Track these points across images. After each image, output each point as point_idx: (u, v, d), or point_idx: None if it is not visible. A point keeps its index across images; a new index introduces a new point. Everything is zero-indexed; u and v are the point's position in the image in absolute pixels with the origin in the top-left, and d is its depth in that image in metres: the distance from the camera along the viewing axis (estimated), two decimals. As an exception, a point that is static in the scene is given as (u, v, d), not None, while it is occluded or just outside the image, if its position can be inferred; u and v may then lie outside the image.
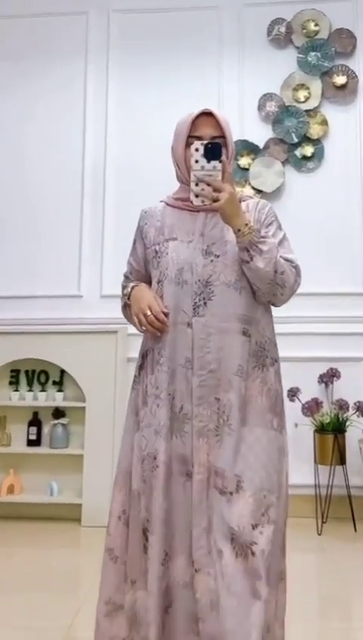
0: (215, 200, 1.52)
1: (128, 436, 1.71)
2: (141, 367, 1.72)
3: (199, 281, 1.61)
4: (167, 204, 1.75)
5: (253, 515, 1.52)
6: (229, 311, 1.60)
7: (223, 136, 1.64)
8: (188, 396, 1.58)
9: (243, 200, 1.72)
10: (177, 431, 1.59)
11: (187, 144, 1.62)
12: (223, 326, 1.59)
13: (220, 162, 1.53)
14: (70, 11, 4.17)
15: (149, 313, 1.62)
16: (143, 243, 1.76)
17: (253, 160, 3.92)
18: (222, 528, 1.52)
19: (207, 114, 1.66)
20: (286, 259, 1.62)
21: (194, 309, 1.60)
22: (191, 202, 1.55)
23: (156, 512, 1.56)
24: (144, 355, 1.71)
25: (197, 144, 1.54)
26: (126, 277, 1.84)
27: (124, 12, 4.14)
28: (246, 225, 1.56)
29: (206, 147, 1.53)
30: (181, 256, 1.63)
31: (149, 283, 1.75)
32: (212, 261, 1.61)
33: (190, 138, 1.63)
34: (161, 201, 1.78)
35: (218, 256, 1.62)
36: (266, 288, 1.60)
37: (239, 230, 1.56)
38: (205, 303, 1.60)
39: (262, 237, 1.58)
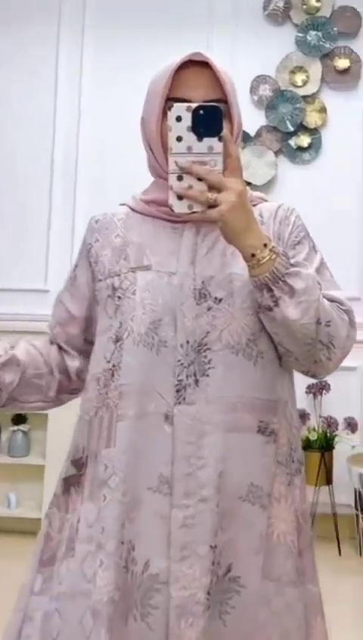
0: (212, 206, 0.92)
1: (19, 604, 1.05)
2: (72, 482, 1.06)
3: (187, 342, 1.00)
4: (133, 210, 1.14)
5: None
6: (237, 393, 1.00)
7: (225, 100, 1.04)
8: (162, 543, 0.97)
9: (253, 204, 1.10)
10: (137, 608, 0.96)
11: (166, 112, 0.98)
12: (227, 420, 0.99)
13: (220, 139, 0.93)
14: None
15: None
16: (91, 272, 1.13)
17: (243, 148, 3.65)
18: None
19: (197, 64, 1.05)
20: (331, 299, 1.02)
21: (178, 391, 0.99)
22: (170, 207, 0.94)
23: None
24: (80, 462, 1.06)
25: (178, 108, 0.93)
26: (51, 332, 1.21)
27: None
28: (266, 245, 0.95)
29: (195, 114, 0.92)
30: (159, 298, 1.03)
31: (87, 345, 1.14)
32: (209, 309, 1.02)
33: (170, 100, 1.02)
34: (123, 204, 1.16)
35: (219, 301, 1.02)
36: (302, 351, 0.99)
37: (253, 255, 0.94)
38: (196, 382, 0.99)
39: (293, 265, 0.97)
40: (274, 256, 0.94)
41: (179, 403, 0.98)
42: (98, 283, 1.10)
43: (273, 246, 0.95)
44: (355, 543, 3.27)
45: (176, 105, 0.93)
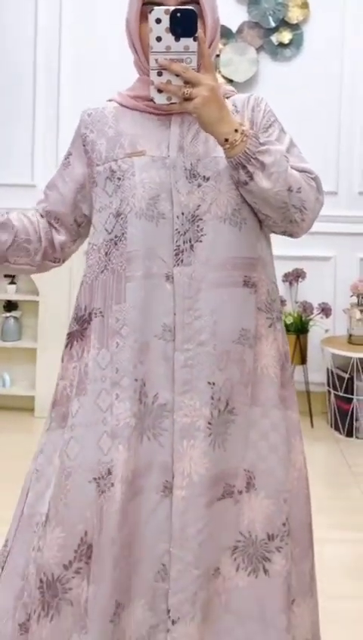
0: (188, 99, 1.06)
1: (44, 440, 1.23)
2: (76, 336, 1.23)
3: (182, 214, 1.15)
4: (121, 105, 1.26)
5: (270, 522, 1.15)
6: (226, 255, 1.16)
7: (198, 2, 1.15)
8: (167, 380, 1.14)
9: (227, 97, 1.24)
10: (150, 430, 1.14)
11: (145, 15, 1.12)
12: (218, 277, 1.15)
13: (195, 39, 1.05)
14: None
15: None
16: (85, 159, 1.25)
17: (224, 45, 3.66)
18: (222, 538, 1.14)
19: None
20: (302, 170, 1.18)
21: (177, 254, 1.15)
22: (152, 100, 1.08)
23: (106, 549, 1.10)
24: (83, 319, 1.22)
25: (157, 11, 1.05)
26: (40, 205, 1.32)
27: None
28: (237, 130, 1.09)
29: (172, 16, 1.05)
30: (156, 178, 1.17)
31: (74, 225, 1.30)
32: (199, 186, 1.16)
33: (148, 4, 1.14)
34: (110, 100, 1.28)
35: (207, 179, 1.16)
36: (279, 215, 1.16)
37: (226, 140, 1.09)
38: (191, 247, 1.15)
39: (263, 143, 1.12)
40: (245, 138, 1.10)
41: (178, 265, 1.14)
42: (96, 167, 1.22)
43: (243, 130, 1.10)
44: (326, 417, 3.54)
45: (156, 8, 1.06)
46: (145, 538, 1.12)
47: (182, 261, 1.14)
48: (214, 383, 1.14)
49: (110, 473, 1.12)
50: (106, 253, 1.20)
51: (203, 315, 1.14)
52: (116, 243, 1.18)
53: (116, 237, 1.18)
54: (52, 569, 1.12)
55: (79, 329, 1.22)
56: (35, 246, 1.28)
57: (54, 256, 1.32)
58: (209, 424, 1.14)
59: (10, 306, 3.66)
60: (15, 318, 3.63)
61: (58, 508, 1.14)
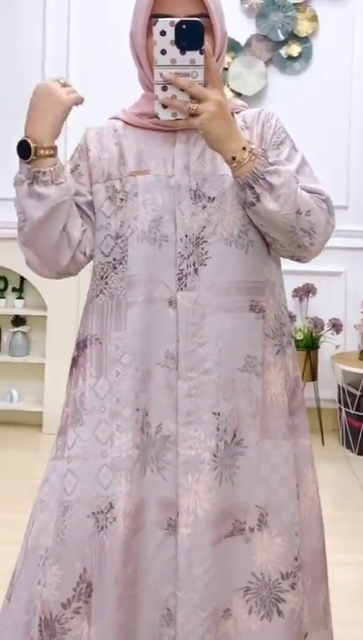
0: (194, 115, 1.01)
1: (50, 469, 1.19)
2: (74, 361, 1.19)
3: (186, 237, 1.11)
4: (125, 122, 1.20)
5: (283, 560, 1.11)
6: (231, 279, 1.12)
7: (206, 15, 1.10)
8: (171, 409, 1.10)
9: (236, 112, 1.20)
10: (153, 462, 1.10)
11: (151, 28, 1.07)
12: (224, 302, 1.11)
13: (201, 52, 1.00)
14: None
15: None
16: (88, 174, 1.19)
17: (233, 58, 3.64)
18: (233, 578, 1.10)
19: None
20: (312, 191, 1.12)
21: (180, 279, 1.11)
22: (157, 115, 1.03)
23: (109, 588, 1.06)
24: (82, 345, 1.18)
25: (162, 23, 1.00)
26: None
27: None
28: (245, 148, 1.05)
29: (178, 28, 0.99)
30: (159, 198, 1.13)
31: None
32: (204, 207, 1.12)
33: (155, 17, 1.08)
34: (113, 118, 1.23)
35: (212, 199, 1.12)
36: (286, 239, 1.11)
37: (234, 158, 1.05)
38: (196, 270, 1.11)
39: (272, 163, 1.07)
40: (253, 157, 1.05)
41: (181, 289, 1.11)
42: (96, 185, 1.17)
43: (252, 149, 1.06)
44: (337, 434, 3.49)
45: (161, 20, 1.01)
46: (149, 577, 1.09)
47: (186, 285, 1.11)
48: (219, 414, 1.10)
49: (111, 507, 1.08)
50: (102, 277, 1.16)
51: (208, 342, 1.10)
52: (115, 267, 1.14)
53: (114, 259, 1.14)
54: (51, 607, 1.09)
55: (76, 355, 1.19)
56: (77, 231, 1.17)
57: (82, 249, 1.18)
58: (215, 456, 1.09)
59: (18, 320, 3.64)
60: (23, 333, 3.62)
61: (56, 544, 1.10)
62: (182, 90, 1.01)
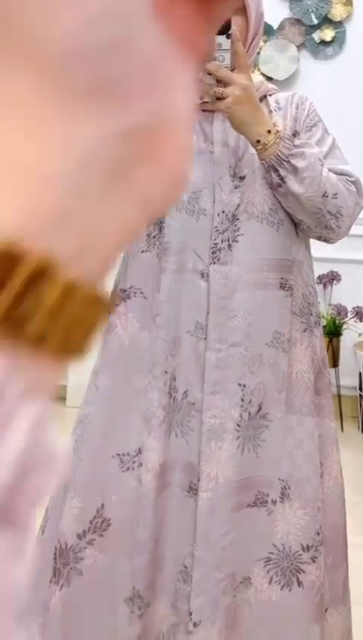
0: (220, 98, 1.05)
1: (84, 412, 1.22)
2: (116, 310, 1.21)
3: (223, 212, 1.14)
4: None
5: (304, 533, 1.14)
6: (263, 256, 1.15)
7: None
8: (198, 378, 1.13)
9: (270, 94, 1.22)
10: (178, 426, 1.13)
11: None
12: (255, 278, 1.14)
13: (228, 37, 1.02)
14: None
15: None
16: None
17: (265, 42, 3.62)
18: (254, 548, 1.13)
19: None
20: (340, 173, 1.16)
21: (214, 252, 1.14)
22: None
23: (127, 527, 1.12)
24: (125, 296, 1.20)
25: None
26: None
27: None
28: (270, 131, 1.08)
29: None
30: (200, 172, 1.15)
31: None
32: (238, 186, 1.15)
33: None
34: None
35: (243, 178, 1.15)
36: (313, 221, 1.15)
37: (258, 141, 1.09)
38: (229, 246, 1.14)
39: (297, 146, 1.11)
40: (278, 140, 1.09)
41: (214, 263, 1.14)
42: None
43: (277, 131, 1.09)
44: (357, 421, 3.50)
45: None
46: (170, 536, 1.13)
47: (219, 259, 1.14)
48: (245, 385, 1.13)
49: (139, 452, 1.13)
50: (148, 235, 1.19)
51: (237, 316, 1.13)
52: (154, 230, 1.18)
53: (154, 224, 1.17)
54: (66, 538, 1.13)
55: (116, 304, 1.21)
56: None
57: None
58: (238, 425, 1.12)
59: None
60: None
61: (77, 477, 1.15)
62: (209, 74, 1.04)
